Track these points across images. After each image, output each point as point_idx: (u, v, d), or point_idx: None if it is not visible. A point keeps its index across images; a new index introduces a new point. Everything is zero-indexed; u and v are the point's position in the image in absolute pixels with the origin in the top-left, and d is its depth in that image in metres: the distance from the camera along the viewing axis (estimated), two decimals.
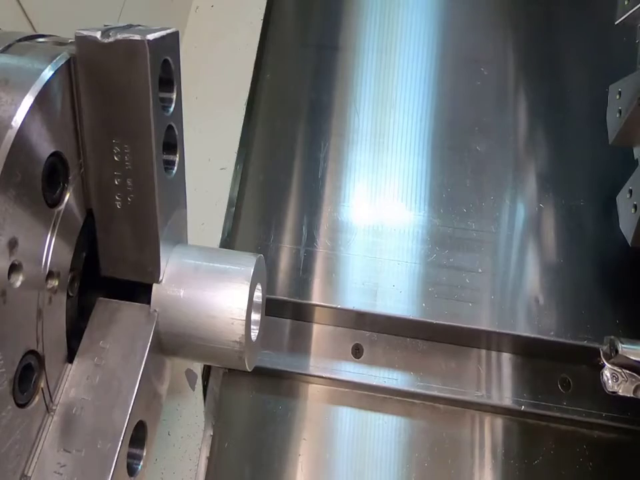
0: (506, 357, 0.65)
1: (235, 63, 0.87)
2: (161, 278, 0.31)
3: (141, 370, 0.28)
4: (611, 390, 0.30)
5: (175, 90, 0.32)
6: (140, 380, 0.28)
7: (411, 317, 0.65)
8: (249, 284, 0.30)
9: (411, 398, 0.64)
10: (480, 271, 0.69)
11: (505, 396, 0.62)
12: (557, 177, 0.77)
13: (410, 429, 0.64)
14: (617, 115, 0.64)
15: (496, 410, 0.62)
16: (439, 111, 0.84)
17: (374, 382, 0.63)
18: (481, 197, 0.75)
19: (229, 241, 0.71)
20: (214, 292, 0.30)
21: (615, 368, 0.29)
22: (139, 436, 0.29)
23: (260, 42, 0.89)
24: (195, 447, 0.57)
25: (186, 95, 0.90)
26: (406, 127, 0.83)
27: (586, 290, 0.67)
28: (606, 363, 0.30)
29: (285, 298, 0.67)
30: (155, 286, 0.31)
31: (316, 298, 0.67)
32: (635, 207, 0.56)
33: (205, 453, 0.58)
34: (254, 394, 0.64)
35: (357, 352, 0.66)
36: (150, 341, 0.29)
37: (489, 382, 0.63)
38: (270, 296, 0.68)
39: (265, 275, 0.34)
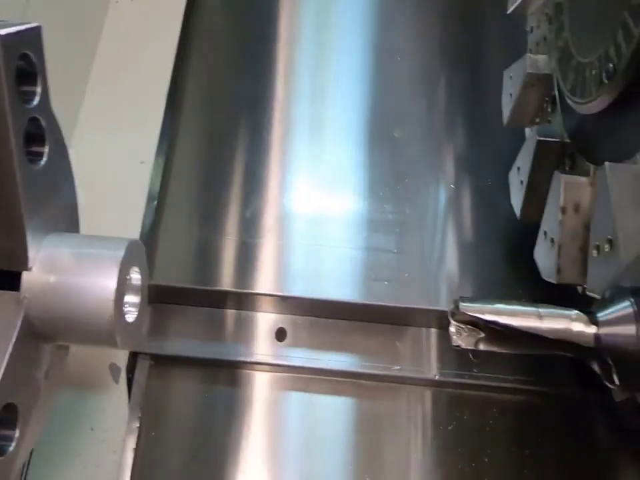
0: (423, 331, 0.68)
1: (156, 56, 0.87)
2: (30, 265, 0.32)
3: (8, 354, 0.29)
4: (455, 344, 0.32)
5: (38, 83, 0.33)
6: (7, 363, 0.29)
7: (333, 299, 0.68)
8: (119, 266, 0.31)
9: (337, 377, 0.66)
10: (396, 251, 0.72)
11: (422, 368, 0.65)
12: (468, 159, 0.81)
13: (337, 407, 0.66)
14: (509, 98, 0.69)
15: (415, 382, 0.65)
16: (366, 101, 0.87)
17: (299, 363, 0.66)
18: (398, 180, 0.79)
19: (150, 235, 0.71)
20: (84, 276, 0.31)
21: (459, 324, 0.32)
22: (9, 417, 0.30)
23: (184, 35, 0.89)
24: (119, 439, 0.58)
25: (105, 90, 0.89)
26: (337, 117, 0.85)
27: (494, 264, 0.71)
28: (451, 320, 0.33)
29: (207, 288, 0.68)
30: (24, 273, 0.32)
31: (237, 285, 0.68)
32: (522, 182, 0.61)
33: (132, 444, 0.59)
34: (179, 383, 0.65)
35: (282, 335, 0.68)
36: (18, 326, 0.30)
37: (407, 356, 0.66)
38: (190, 286, 0.69)
39: (144, 259, 0.35)
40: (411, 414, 0.64)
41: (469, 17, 0.96)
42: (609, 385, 0.34)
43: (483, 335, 0.32)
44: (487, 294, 0.70)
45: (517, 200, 0.63)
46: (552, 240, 0.51)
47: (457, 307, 0.32)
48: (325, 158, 0.80)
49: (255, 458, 0.62)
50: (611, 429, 0.62)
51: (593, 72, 0.52)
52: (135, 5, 0.97)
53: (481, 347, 0.32)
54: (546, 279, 0.52)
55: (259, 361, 0.65)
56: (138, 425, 0.61)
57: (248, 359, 0.65)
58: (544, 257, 0.53)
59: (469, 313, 0.32)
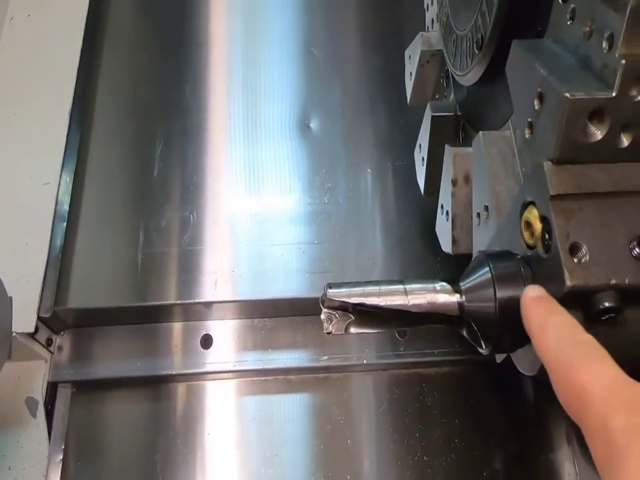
0: None
1: (57, 72, 0.83)
2: None
3: None
4: (326, 331, 0.32)
5: None
6: None
7: (254, 298, 0.67)
8: None
9: (266, 376, 0.66)
10: (316, 242, 0.72)
11: (349, 355, 0.66)
12: (382, 141, 0.81)
13: (270, 405, 0.65)
14: (409, 79, 0.69)
15: (344, 369, 0.66)
16: (286, 95, 0.86)
17: (226, 368, 0.65)
18: (316, 171, 0.78)
19: (62, 258, 0.68)
20: None
21: (330, 311, 0.32)
22: None
23: (89, 47, 0.86)
24: (40, 475, 0.55)
25: (3, 112, 0.85)
26: (262, 116, 0.84)
27: (411, 243, 0.72)
28: (322, 307, 0.33)
29: (126, 304, 0.66)
30: None
31: (157, 298, 0.66)
32: (423, 159, 0.61)
33: (55, 479, 0.57)
34: (106, 407, 0.63)
35: (208, 342, 0.67)
36: None
37: (333, 345, 0.66)
38: (109, 305, 0.66)
39: (3, 290, 0.33)
40: (342, 401, 0.64)
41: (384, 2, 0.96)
42: (480, 350, 0.35)
43: (353, 318, 0.32)
44: (407, 273, 0.71)
45: (421, 177, 0.64)
46: (447, 212, 0.52)
47: (325, 294, 0.32)
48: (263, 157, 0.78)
49: (196, 476, 0.61)
50: (536, 387, 0.64)
51: (468, 44, 0.52)
52: (31, 21, 0.93)
53: (352, 330, 0.32)
54: (445, 252, 0.53)
55: (182, 372, 0.63)
56: (61, 457, 0.59)
57: (172, 372, 0.63)
58: (442, 230, 0.54)
59: (336, 299, 0.32)
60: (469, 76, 0.52)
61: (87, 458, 0.60)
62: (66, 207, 0.72)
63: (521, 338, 0.30)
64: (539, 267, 0.33)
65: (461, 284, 0.34)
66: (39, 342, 0.62)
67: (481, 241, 0.43)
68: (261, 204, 0.74)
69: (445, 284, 0.33)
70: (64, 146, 0.75)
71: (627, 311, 0.30)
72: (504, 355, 0.37)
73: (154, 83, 0.84)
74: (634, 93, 0.33)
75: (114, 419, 0.63)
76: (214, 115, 0.82)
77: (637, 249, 0.30)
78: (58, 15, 0.90)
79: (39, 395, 0.59)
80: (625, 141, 0.33)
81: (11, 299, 0.46)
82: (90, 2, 0.87)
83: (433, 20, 0.72)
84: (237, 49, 0.88)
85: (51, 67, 0.83)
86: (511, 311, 0.31)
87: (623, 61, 0.32)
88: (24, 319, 0.59)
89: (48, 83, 0.82)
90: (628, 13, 0.31)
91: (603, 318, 0.29)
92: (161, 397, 0.65)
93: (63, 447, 0.60)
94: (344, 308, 0.32)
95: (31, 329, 0.60)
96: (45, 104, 0.79)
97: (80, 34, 0.86)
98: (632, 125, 0.33)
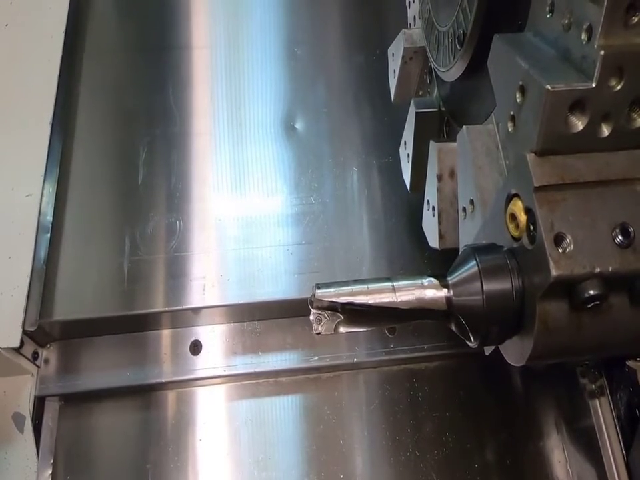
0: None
1: (36, 81, 0.81)
2: None
3: None
4: (316, 332, 0.32)
5: None
6: None
7: (242, 302, 0.66)
8: None
9: (257, 379, 0.65)
10: (303, 242, 0.71)
11: (339, 355, 0.65)
12: (368, 140, 0.81)
13: (262, 408, 0.65)
14: (393, 76, 0.69)
15: (335, 369, 0.65)
16: (270, 96, 0.86)
17: (215, 373, 0.64)
18: (302, 171, 0.78)
19: (46, 269, 0.66)
20: None
21: (319, 311, 0.32)
22: None
23: (69, 55, 0.85)
24: None
25: None
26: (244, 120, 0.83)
27: (399, 239, 0.72)
28: (311, 308, 0.32)
29: (116, 314, 0.65)
30: None
31: (145, 306, 0.65)
32: (409, 156, 0.61)
33: None
34: (95, 419, 0.62)
35: (197, 348, 0.66)
36: None
37: (323, 345, 0.66)
38: (97, 315, 0.65)
39: None
40: (333, 401, 0.63)
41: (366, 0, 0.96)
42: (468, 343, 0.35)
43: (342, 317, 0.31)
44: (395, 270, 0.71)
45: (406, 173, 0.63)
46: (433, 208, 0.52)
47: (313, 294, 0.32)
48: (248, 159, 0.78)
49: None
50: (524, 377, 0.65)
51: (450, 40, 0.53)
52: (9, 31, 0.92)
53: (341, 329, 0.32)
54: (432, 247, 0.53)
55: (172, 379, 0.62)
56: (50, 472, 0.57)
57: (161, 380, 0.62)
58: (429, 226, 0.53)
59: (325, 299, 0.31)
60: (452, 71, 0.52)
61: (76, 472, 0.59)
62: (49, 218, 0.71)
63: (509, 330, 0.30)
64: (525, 258, 0.33)
65: (448, 278, 0.33)
66: (24, 356, 0.61)
67: (468, 235, 0.43)
68: (247, 207, 0.73)
69: (432, 279, 0.33)
70: (46, 156, 0.74)
71: (611, 297, 0.30)
72: (492, 347, 0.37)
73: (136, 88, 0.83)
74: (613, 83, 0.33)
75: (103, 431, 0.62)
76: (198, 118, 0.81)
77: (620, 237, 0.30)
78: (36, 24, 0.88)
79: (26, 409, 0.58)
80: (606, 131, 0.34)
81: None
82: (69, 10, 0.86)
83: (414, 17, 0.73)
84: (219, 52, 0.88)
85: (31, 77, 0.82)
86: (498, 303, 0.31)
87: (602, 52, 0.32)
88: (9, 333, 0.58)
89: (28, 92, 0.80)
90: (606, 4, 0.31)
91: (589, 306, 0.29)
92: (151, 406, 0.64)
93: (52, 461, 0.59)
94: (333, 308, 0.32)
95: (16, 344, 0.59)
96: (26, 114, 0.78)
97: (60, 42, 0.84)
98: (612, 114, 0.33)
